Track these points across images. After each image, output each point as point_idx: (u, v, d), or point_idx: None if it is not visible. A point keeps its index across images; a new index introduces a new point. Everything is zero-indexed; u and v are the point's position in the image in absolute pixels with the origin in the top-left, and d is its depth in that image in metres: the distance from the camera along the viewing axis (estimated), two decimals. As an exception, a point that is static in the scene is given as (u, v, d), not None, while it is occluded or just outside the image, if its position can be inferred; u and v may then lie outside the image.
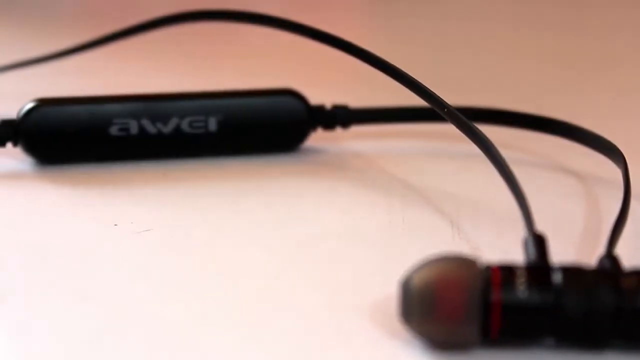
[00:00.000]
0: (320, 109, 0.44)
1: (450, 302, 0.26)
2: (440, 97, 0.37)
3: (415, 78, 0.38)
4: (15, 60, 0.51)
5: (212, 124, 0.42)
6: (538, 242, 0.28)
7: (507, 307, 0.26)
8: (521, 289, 0.26)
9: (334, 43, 0.41)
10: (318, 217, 0.38)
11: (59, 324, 0.29)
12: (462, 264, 0.27)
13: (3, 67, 0.51)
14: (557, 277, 0.27)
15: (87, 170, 0.42)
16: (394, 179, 0.41)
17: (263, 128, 0.43)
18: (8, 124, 0.42)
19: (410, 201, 0.39)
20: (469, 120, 0.36)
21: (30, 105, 0.42)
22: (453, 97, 0.39)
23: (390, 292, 0.29)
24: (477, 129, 0.35)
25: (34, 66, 0.50)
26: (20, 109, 0.42)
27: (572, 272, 0.27)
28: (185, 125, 0.42)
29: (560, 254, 0.30)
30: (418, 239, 0.35)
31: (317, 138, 0.45)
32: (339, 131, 0.45)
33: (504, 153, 0.34)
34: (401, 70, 0.39)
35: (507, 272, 0.27)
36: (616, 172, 0.37)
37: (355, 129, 0.45)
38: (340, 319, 0.29)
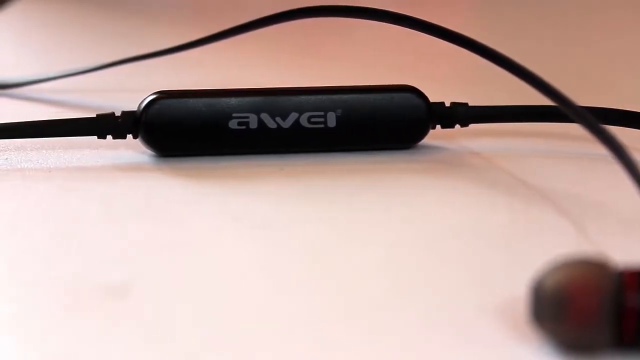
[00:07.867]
0: (440, 106, 0.44)
1: (584, 306, 0.25)
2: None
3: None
4: (136, 52, 0.52)
5: (332, 120, 0.42)
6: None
7: (643, 312, 0.26)
8: (658, 294, 0.26)
9: (456, 40, 0.41)
10: (438, 215, 0.37)
11: (177, 319, 0.29)
12: (595, 267, 0.26)
13: (124, 59, 0.52)
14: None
15: (205, 164, 0.42)
16: (514, 178, 0.41)
17: (382, 125, 0.43)
18: (128, 115, 0.42)
19: (532, 202, 0.38)
20: (597, 120, 0.35)
21: (151, 97, 0.42)
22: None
23: (515, 293, 0.29)
24: (607, 130, 0.34)
25: (155, 59, 0.50)
26: (141, 101, 0.42)
27: None
28: (304, 120, 0.42)
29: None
30: (541, 240, 0.34)
31: (434, 135, 0.44)
32: (456, 129, 0.44)
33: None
34: (526, 69, 0.38)
35: (641, 276, 0.26)
36: None
37: (472, 127, 0.44)
38: (465, 319, 0.29)
